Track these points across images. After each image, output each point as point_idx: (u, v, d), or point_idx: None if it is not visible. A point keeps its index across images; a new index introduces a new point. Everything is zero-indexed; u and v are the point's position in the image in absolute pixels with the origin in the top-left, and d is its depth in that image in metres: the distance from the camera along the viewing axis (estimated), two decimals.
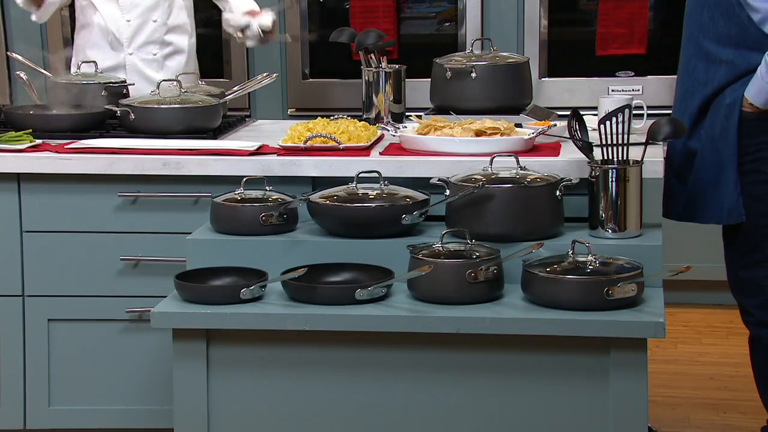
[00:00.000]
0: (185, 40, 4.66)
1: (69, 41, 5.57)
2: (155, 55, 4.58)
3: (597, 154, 3.30)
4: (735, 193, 3.44)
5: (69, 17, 5.58)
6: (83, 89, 4.12)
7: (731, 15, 3.42)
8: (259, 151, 3.63)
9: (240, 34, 4.56)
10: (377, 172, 3.32)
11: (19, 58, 4.37)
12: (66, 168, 3.63)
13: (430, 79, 4.07)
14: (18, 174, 3.67)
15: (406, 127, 3.78)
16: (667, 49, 5.44)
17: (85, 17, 4.62)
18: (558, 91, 5.40)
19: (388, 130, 3.69)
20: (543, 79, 5.41)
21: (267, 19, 4.54)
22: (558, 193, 3.24)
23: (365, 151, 3.61)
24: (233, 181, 3.47)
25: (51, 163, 3.63)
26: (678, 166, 3.58)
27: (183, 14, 4.62)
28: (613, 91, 5.28)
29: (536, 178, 3.26)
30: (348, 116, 3.84)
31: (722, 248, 3.62)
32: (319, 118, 3.81)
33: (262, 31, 4.53)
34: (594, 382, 2.94)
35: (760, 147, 3.44)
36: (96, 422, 3.76)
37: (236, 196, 3.37)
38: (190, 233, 3.36)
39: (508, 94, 4.00)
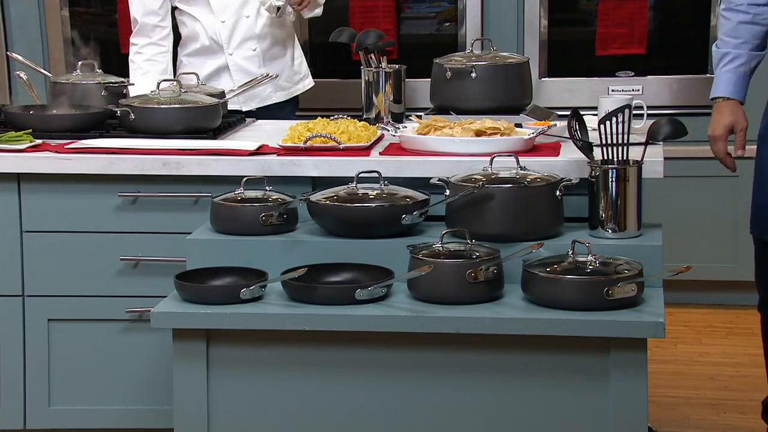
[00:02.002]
0: (283, 32, 4.62)
1: (69, 41, 5.57)
2: (254, 50, 4.56)
3: (597, 154, 3.30)
4: None
5: (69, 17, 5.58)
6: (83, 89, 4.12)
7: None
8: (259, 151, 3.63)
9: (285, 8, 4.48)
10: (377, 172, 3.32)
11: (19, 58, 4.37)
12: (66, 168, 3.63)
13: (430, 79, 4.07)
14: (18, 174, 3.67)
15: (406, 127, 3.78)
16: (667, 49, 5.43)
17: (187, 28, 4.60)
18: (558, 91, 5.40)
19: (388, 130, 3.68)
20: (543, 79, 5.41)
21: None
22: (558, 193, 3.24)
23: (365, 151, 3.61)
24: (233, 181, 3.47)
25: (51, 163, 3.63)
26: None
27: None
28: (613, 91, 5.28)
29: (536, 178, 3.25)
30: (348, 116, 3.83)
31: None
32: (319, 118, 3.80)
33: None
34: (594, 382, 2.94)
35: None
36: (96, 422, 3.76)
37: (236, 196, 3.37)
38: (190, 233, 3.36)
39: (508, 94, 4.00)
